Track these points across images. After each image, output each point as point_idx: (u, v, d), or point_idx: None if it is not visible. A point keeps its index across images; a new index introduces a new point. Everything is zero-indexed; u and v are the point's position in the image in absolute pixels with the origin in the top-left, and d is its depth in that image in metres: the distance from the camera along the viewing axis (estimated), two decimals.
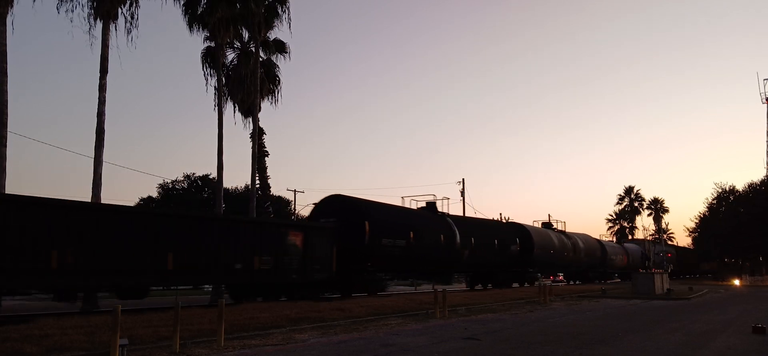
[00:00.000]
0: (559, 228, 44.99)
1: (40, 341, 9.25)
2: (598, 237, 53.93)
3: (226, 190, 43.22)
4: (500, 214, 71.23)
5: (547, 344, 10.74)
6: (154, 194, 49.94)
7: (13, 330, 10.14)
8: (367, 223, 22.54)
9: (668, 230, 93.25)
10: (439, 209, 30.76)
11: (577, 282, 47.37)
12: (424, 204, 30.45)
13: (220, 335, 10.11)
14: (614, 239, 71.96)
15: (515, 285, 35.68)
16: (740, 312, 20.17)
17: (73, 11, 22.64)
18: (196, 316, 12.54)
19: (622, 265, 53.18)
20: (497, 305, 20.83)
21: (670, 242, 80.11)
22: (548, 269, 43.54)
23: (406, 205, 30.06)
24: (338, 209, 23.24)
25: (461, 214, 42.38)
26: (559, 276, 50.85)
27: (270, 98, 34.30)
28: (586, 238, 48.68)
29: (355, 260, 22.66)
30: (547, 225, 44.04)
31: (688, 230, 72.51)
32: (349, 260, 22.30)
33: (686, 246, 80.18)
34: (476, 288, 33.55)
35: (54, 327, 10.67)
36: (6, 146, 19.22)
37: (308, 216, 27.16)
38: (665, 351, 10.18)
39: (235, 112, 33.62)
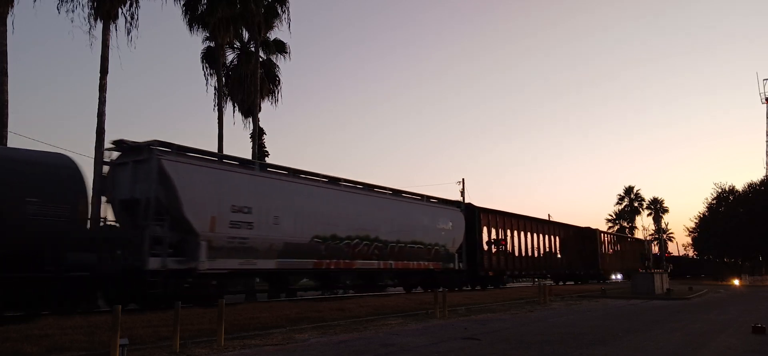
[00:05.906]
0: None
1: (40, 341, 9.25)
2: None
3: None
4: None
5: (546, 344, 10.74)
6: None
7: (13, 329, 10.14)
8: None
9: (668, 230, 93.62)
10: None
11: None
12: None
13: (220, 335, 10.11)
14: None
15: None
16: (740, 311, 20.18)
17: (73, 11, 22.76)
18: (196, 316, 12.55)
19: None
20: (497, 305, 20.86)
21: (669, 243, 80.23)
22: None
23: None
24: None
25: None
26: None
27: (270, 98, 34.39)
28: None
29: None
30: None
31: (687, 230, 72.54)
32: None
33: (684, 245, 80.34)
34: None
35: (54, 326, 10.67)
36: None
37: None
38: (665, 351, 10.19)
39: (235, 112, 33.73)
